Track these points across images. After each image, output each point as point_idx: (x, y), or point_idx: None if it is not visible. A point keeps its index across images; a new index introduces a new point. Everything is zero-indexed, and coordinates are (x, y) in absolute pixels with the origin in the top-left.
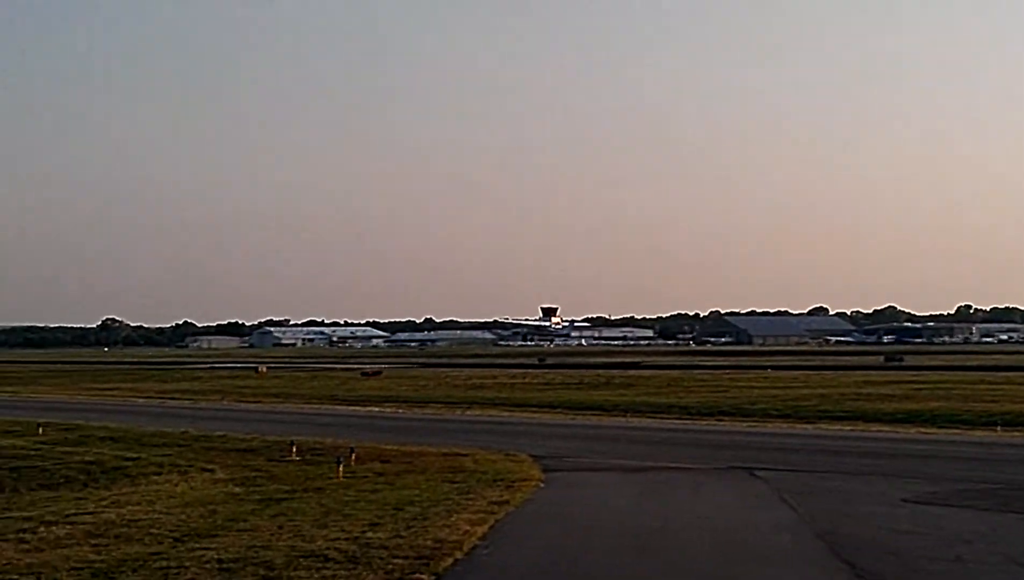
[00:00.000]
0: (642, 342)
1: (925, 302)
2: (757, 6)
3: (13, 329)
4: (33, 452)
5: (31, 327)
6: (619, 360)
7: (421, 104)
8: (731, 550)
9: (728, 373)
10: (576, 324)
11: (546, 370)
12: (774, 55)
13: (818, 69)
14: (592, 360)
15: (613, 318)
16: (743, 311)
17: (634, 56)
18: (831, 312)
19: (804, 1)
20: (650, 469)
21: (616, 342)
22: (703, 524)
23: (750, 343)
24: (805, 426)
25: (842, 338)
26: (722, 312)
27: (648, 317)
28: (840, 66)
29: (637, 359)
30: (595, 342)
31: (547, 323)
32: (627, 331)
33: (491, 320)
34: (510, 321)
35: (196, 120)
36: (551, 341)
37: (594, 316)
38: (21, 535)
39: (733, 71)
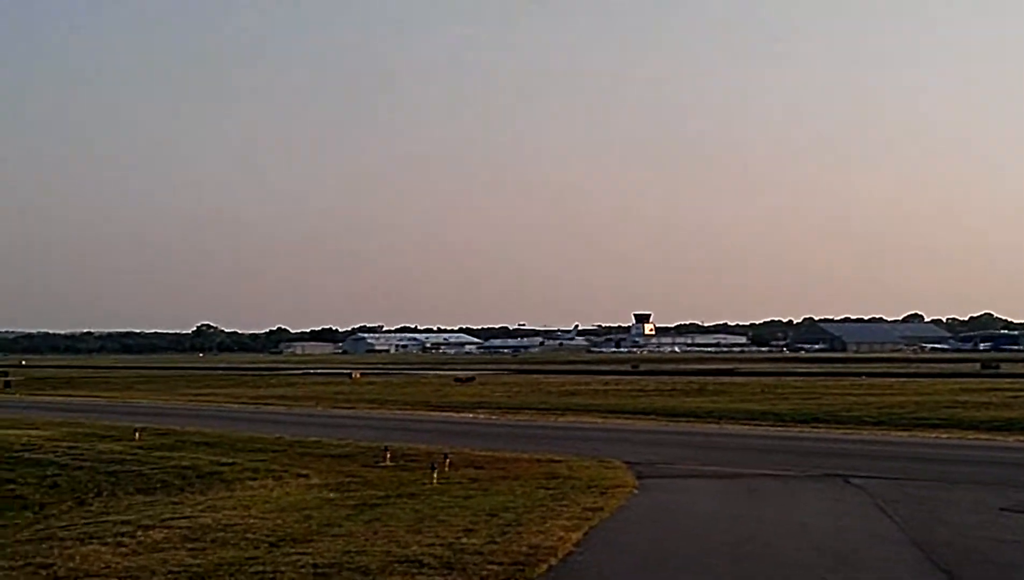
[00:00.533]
0: (735, 349)
1: (1022, 309)
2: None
3: (110, 335)
4: (130, 457)
5: (128, 333)
6: (712, 367)
7: (508, 112)
8: (826, 558)
9: (822, 380)
10: (668, 330)
11: (639, 376)
12: (861, 63)
13: (911, 75)
14: (685, 367)
15: (706, 325)
16: (837, 318)
17: (724, 66)
18: (926, 319)
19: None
20: (744, 476)
21: (709, 349)
22: (798, 531)
23: (844, 350)
24: (900, 434)
25: (937, 345)
26: (816, 319)
27: (741, 323)
28: (934, 72)
29: (730, 366)
30: (688, 349)
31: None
32: (720, 338)
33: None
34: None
35: (291, 129)
36: (644, 348)
37: (687, 322)
38: (119, 539)
39: (810, 85)
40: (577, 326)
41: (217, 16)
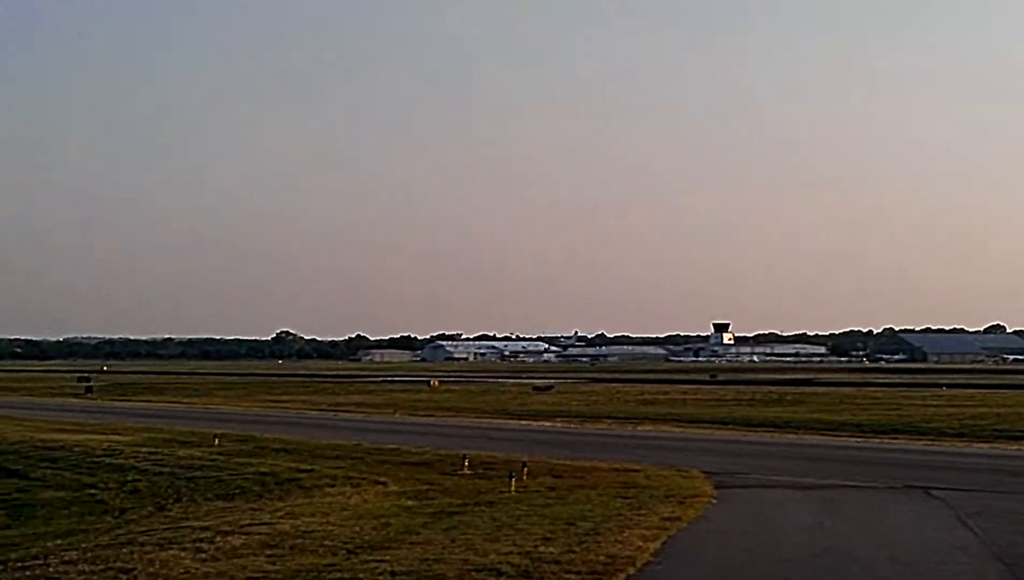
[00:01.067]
0: (814, 359)
1: None
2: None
3: (191, 341)
4: (209, 463)
5: (208, 339)
6: (791, 377)
7: (590, 119)
8: (907, 571)
9: (902, 391)
10: (747, 340)
11: (718, 386)
12: (947, 73)
13: (984, 83)
14: (764, 377)
15: (785, 334)
16: (917, 328)
17: (808, 76)
18: (1008, 330)
19: None
20: (823, 487)
21: (788, 359)
22: (878, 543)
23: (924, 361)
24: (982, 445)
25: (1020, 356)
26: (896, 329)
27: (820, 334)
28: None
29: (809, 376)
30: (767, 358)
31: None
32: (799, 347)
33: (664, 335)
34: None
35: (376, 135)
36: (722, 357)
37: (766, 332)
38: (198, 544)
39: (899, 99)
40: (576, 332)
41: (323, 24)
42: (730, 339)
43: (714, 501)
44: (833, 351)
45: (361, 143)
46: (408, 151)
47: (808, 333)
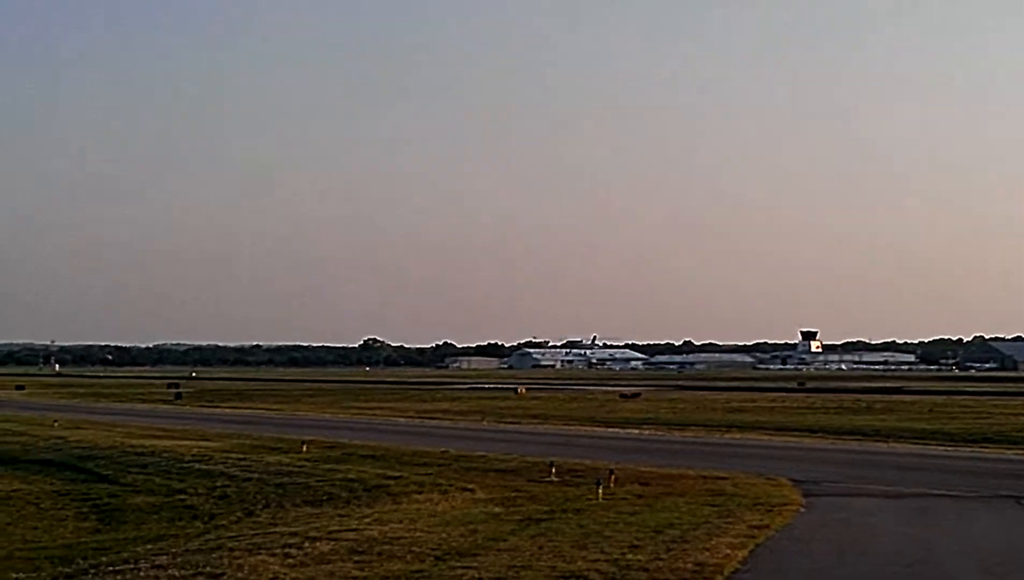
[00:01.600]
0: (903, 367)
1: None
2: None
3: (278, 348)
4: (297, 469)
5: (295, 346)
6: (880, 385)
7: (680, 121)
8: None
9: (992, 399)
10: (835, 348)
11: (806, 394)
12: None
13: None
14: (852, 385)
15: (873, 342)
16: (1008, 336)
17: (902, 80)
18: None
19: None
20: (913, 495)
21: (876, 367)
22: (970, 553)
23: (1015, 369)
24: None
25: None
26: (986, 337)
27: (909, 342)
28: None
29: (898, 384)
30: (855, 366)
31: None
32: (888, 355)
33: (751, 343)
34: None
35: (466, 147)
36: (810, 365)
37: (854, 340)
38: (287, 550)
39: (992, 106)
40: (595, 337)
41: (423, 39)
42: (818, 347)
43: (802, 509)
44: (922, 359)
45: (448, 153)
46: (494, 159)
47: (897, 341)
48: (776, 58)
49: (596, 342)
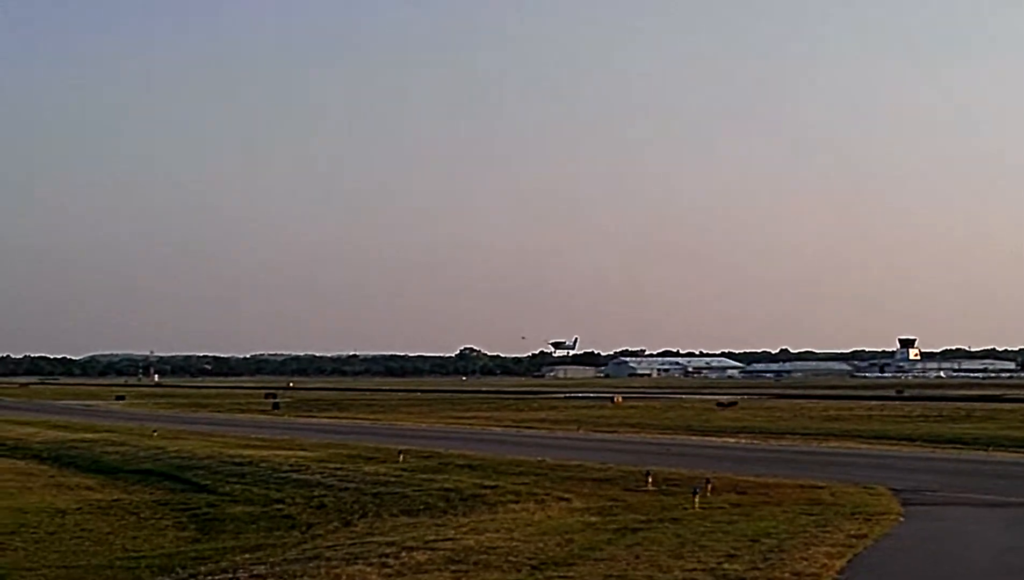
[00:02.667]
0: (1003, 374)
1: None
2: None
3: (375, 358)
4: (394, 478)
5: (392, 356)
6: (980, 393)
7: (772, 132)
8: None
9: None
10: (934, 355)
11: (904, 402)
12: None
13: None
14: (951, 392)
15: (973, 350)
16: None
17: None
18: None
19: None
20: (1014, 505)
21: (976, 374)
22: None
23: None
24: None
25: None
26: None
27: (1010, 349)
28: None
29: (998, 392)
30: (954, 374)
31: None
32: (987, 363)
33: (849, 351)
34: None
35: (556, 153)
36: (909, 373)
37: (953, 347)
38: (383, 559)
39: None
40: (576, 338)
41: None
42: (916, 354)
43: (901, 519)
44: (1023, 366)
45: (539, 163)
46: (595, 170)
47: (997, 348)
48: (878, 60)
49: (576, 340)
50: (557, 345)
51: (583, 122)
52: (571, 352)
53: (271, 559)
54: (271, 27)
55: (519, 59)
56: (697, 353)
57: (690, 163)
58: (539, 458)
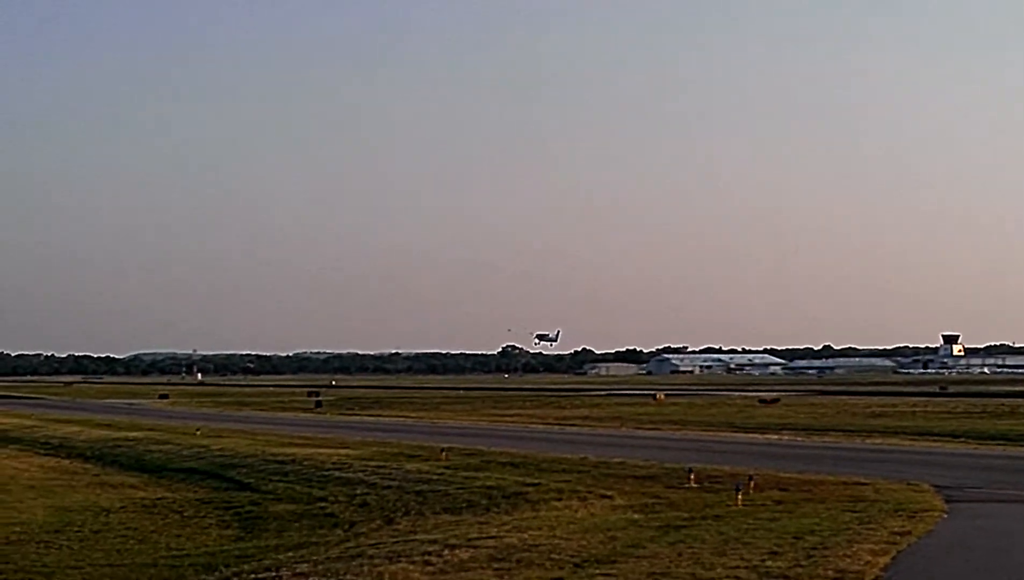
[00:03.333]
0: None
1: None
2: None
3: (417, 356)
4: (436, 476)
5: (434, 354)
6: None
7: (817, 125)
8: None
9: None
10: (978, 351)
11: (948, 399)
12: None
13: None
14: (996, 389)
15: (1017, 345)
16: None
17: None
18: None
19: None
20: None
21: (1020, 370)
22: None
23: None
24: None
25: None
26: None
27: None
28: None
29: None
30: (998, 370)
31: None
32: None
33: (892, 347)
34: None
35: (594, 153)
36: (952, 369)
37: (997, 343)
38: (426, 557)
39: None
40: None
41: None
42: (960, 350)
43: (945, 515)
44: None
45: (581, 162)
46: (638, 168)
47: None
48: (928, 54)
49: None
50: (541, 337)
51: (621, 121)
52: (553, 344)
53: (314, 557)
54: (318, 28)
55: (554, 60)
56: (739, 350)
57: (733, 161)
58: (581, 456)
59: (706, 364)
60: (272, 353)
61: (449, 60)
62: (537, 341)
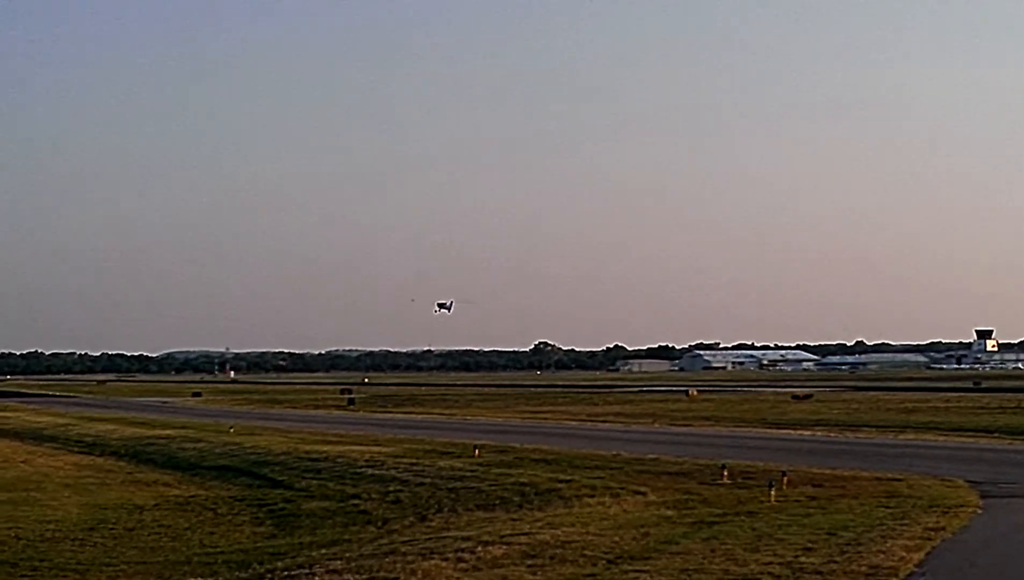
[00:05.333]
0: None
1: None
2: None
3: (450, 353)
4: (469, 473)
5: (467, 351)
6: None
7: (855, 126)
8: None
9: None
10: (1012, 346)
11: (981, 394)
12: None
13: None
14: None
15: None
16: None
17: None
18: None
19: None
20: None
21: None
22: None
23: None
24: None
25: None
26: None
27: None
28: None
29: None
30: None
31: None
32: None
33: (925, 342)
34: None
35: (634, 152)
36: (986, 364)
37: None
38: (459, 554)
39: None
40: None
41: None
42: (994, 345)
43: (979, 511)
44: None
45: (613, 157)
46: (668, 163)
47: None
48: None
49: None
50: (441, 305)
51: (652, 115)
52: (448, 313)
53: (347, 554)
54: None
55: (567, 60)
56: (772, 346)
57: (767, 156)
58: (614, 452)
59: (738, 360)
60: (305, 351)
61: (475, 58)
62: (437, 309)
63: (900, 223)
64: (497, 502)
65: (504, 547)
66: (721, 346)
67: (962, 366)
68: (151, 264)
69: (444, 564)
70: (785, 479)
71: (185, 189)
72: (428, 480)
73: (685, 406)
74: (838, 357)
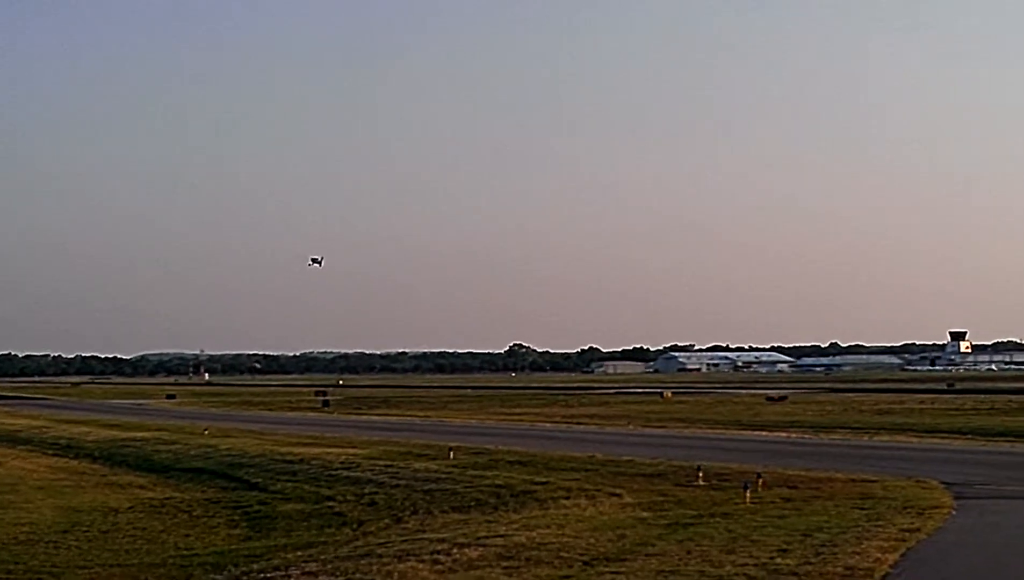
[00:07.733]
0: None
1: None
2: None
3: (424, 355)
4: (444, 475)
5: (441, 353)
6: None
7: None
8: None
9: None
10: (986, 348)
11: (955, 395)
12: None
13: None
14: (1003, 385)
15: None
16: None
17: None
18: None
19: None
20: None
21: None
22: None
23: None
24: None
25: None
26: None
27: None
28: None
29: None
30: (1006, 367)
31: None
32: None
33: (899, 344)
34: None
35: (623, 155)
36: (960, 366)
37: (1005, 340)
38: (435, 556)
39: None
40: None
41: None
42: (967, 347)
43: (954, 512)
44: None
45: (589, 160)
46: (642, 163)
47: None
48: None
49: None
50: (313, 260)
51: (625, 120)
52: (320, 267)
53: (323, 556)
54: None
55: (550, 60)
56: (746, 347)
57: (739, 158)
58: (589, 454)
59: (713, 362)
60: (279, 353)
61: (454, 62)
62: (310, 263)
63: (874, 225)
64: (472, 504)
65: (480, 549)
66: (696, 348)
67: (936, 368)
68: (125, 266)
69: (420, 566)
70: (760, 481)
71: (159, 191)
72: (403, 482)
73: (660, 408)
74: (812, 359)
